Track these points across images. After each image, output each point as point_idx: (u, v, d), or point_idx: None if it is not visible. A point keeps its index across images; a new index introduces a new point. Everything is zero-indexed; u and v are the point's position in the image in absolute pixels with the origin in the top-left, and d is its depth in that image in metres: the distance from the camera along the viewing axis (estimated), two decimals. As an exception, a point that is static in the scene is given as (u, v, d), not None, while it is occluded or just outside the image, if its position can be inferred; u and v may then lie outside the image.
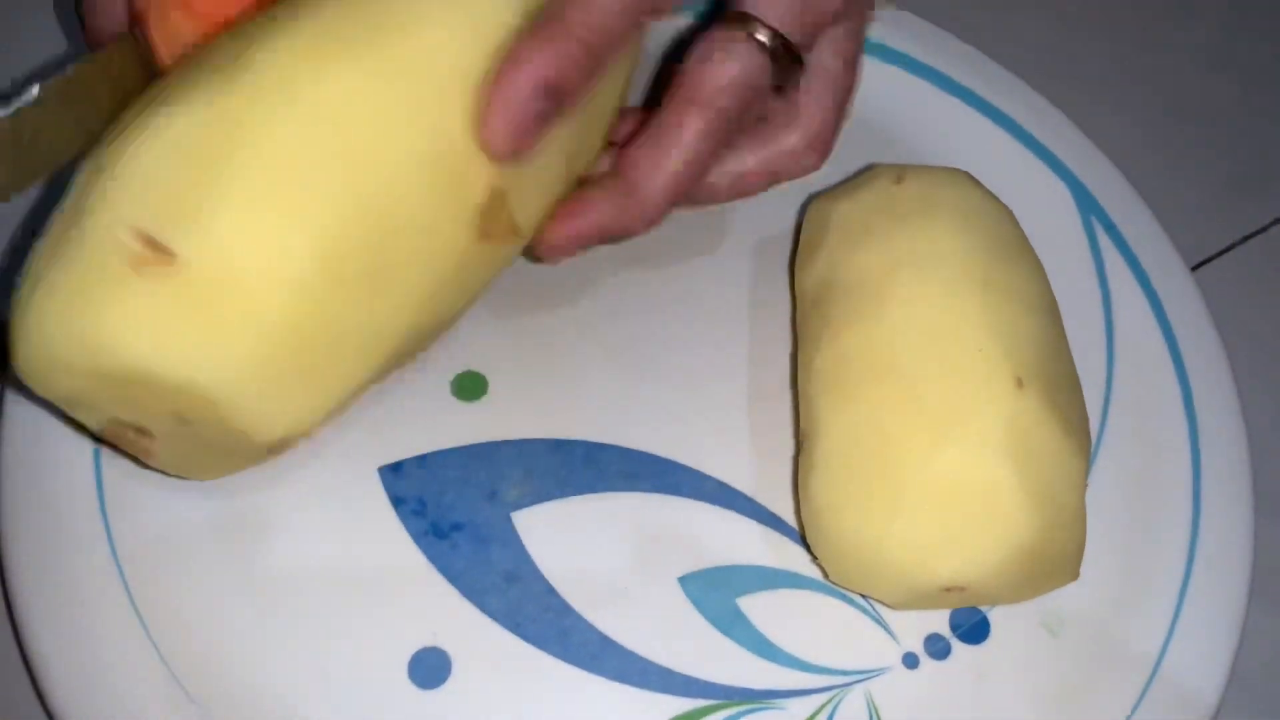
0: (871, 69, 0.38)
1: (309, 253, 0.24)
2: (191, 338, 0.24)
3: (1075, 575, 0.29)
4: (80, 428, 0.28)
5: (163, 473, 0.29)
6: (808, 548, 0.30)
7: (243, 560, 0.30)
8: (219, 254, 0.24)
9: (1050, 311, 0.30)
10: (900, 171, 0.32)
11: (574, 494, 0.32)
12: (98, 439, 0.29)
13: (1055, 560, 0.28)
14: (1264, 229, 0.41)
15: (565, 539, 0.31)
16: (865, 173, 0.33)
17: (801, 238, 0.34)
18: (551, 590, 0.30)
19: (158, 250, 0.23)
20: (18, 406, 0.31)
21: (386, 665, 0.29)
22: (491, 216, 0.27)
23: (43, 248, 0.25)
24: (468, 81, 0.26)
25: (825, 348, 0.30)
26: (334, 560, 0.30)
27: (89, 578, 0.29)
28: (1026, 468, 0.27)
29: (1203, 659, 0.31)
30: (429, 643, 0.29)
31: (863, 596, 0.31)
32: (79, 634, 0.28)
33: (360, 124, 0.25)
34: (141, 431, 0.26)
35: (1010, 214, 0.32)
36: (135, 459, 0.28)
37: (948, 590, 0.28)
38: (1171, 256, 0.36)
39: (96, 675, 0.28)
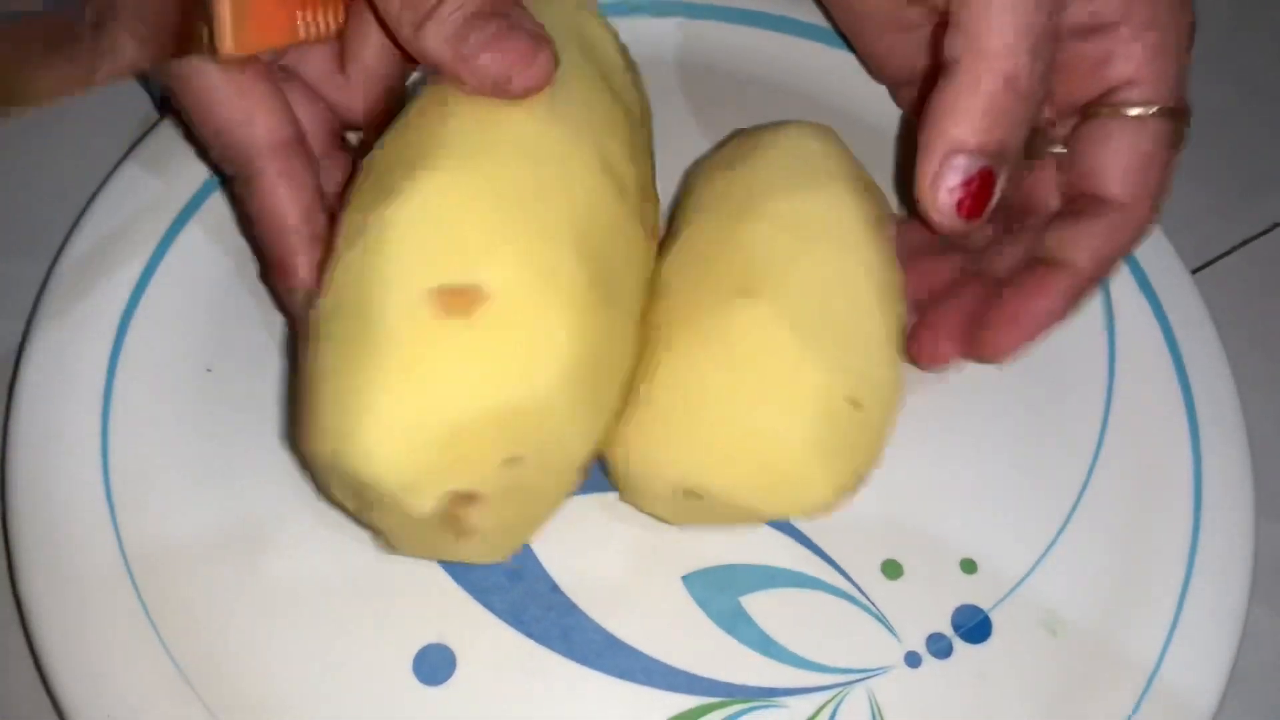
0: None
1: (577, 271, 0.26)
2: (511, 366, 0.25)
3: (825, 501, 0.29)
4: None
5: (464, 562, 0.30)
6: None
7: (250, 559, 0.30)
8: (512, 286, 0.25)
9: (830, 236, 0.29)
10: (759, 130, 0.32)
11: (578, 493, 0.32)
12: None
13: (787, 474, 0.28)
14: (1265, 232, 0.41)
15: (569, 537, 0.31)
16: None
17: None
18: (556, 588, 0.30)
19: (459, 296, 0.25)
20: (25, 413, 0.31)
21: (392, 662, 0.29)
22: (647, 215, 0.29)
23: (328, 348, 0.25)
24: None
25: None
26: (340, 558, 0.30)
27: (99, 580, 0.29)
28: (749, 376, 0.27)
29: (1202, 660, 0.31)
30: (434, 640, 0.30)
31: (862, 594, 0.31)
32: (89, 635, 0.29)
33: (552, 159, 0.27)
34: (470, 498, 0.26)
35: (846, 159, 0.31)
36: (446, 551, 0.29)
37: (687, 495, 0.28)
38: (1172, 260, 0.37)
39: (106, 675, 0.28)
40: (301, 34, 0.30)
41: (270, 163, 0.29)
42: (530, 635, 0.30)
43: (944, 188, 0.28)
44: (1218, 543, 0.32)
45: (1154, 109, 0.30)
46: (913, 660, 0.31)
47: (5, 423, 0.31)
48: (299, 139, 0.30)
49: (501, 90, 0.27)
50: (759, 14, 0.40)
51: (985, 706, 0.30)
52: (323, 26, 0.30)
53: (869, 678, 0.30)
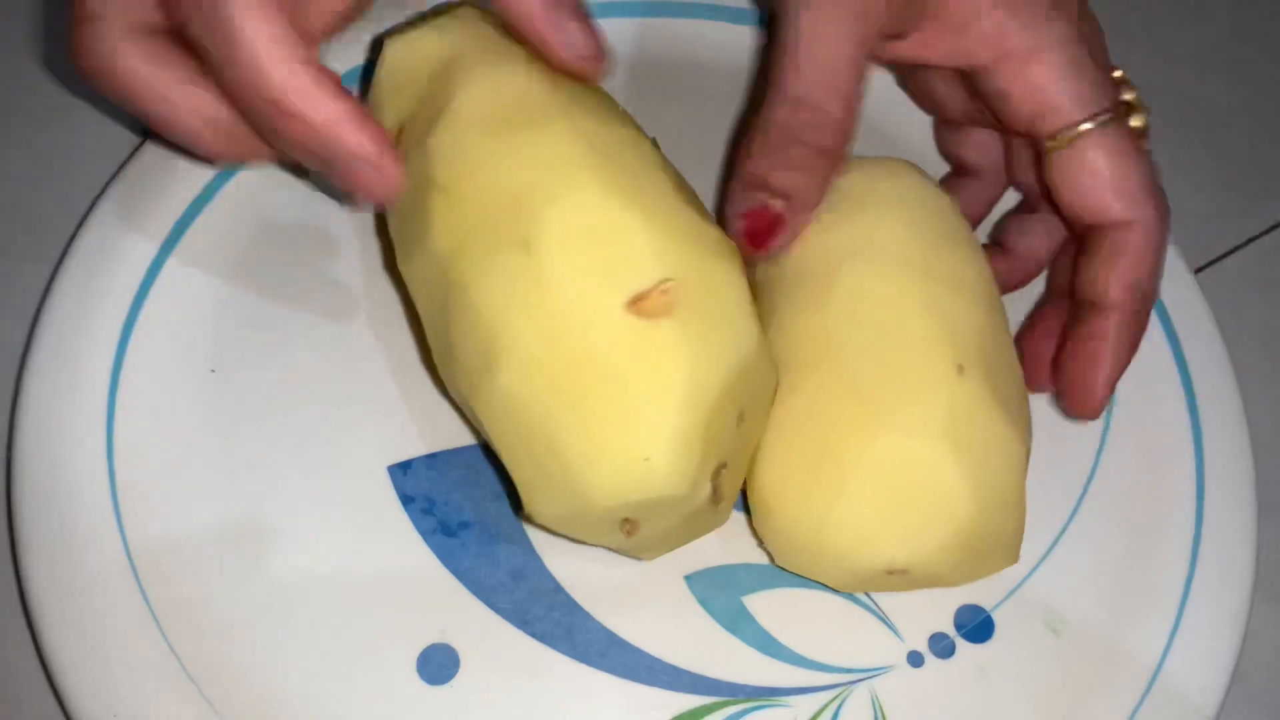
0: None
1: (711, 230, 0.28)
2: (728, 339, 0.27)
3: (1015, 558, 0.29)
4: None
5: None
6: (754, 533, 0.31)
7: (254, 558, 0.30)
8: (683, 271, 0.27)
9: (991, 300, 0.30)
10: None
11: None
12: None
13: (994, 542, 0.28)
14: (1267, 231, 0.41)
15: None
16: None
17: None
18: (559, 588, 0.31)
19: (652, 299, 0.26)
20: (30, 412, 0.31)
21: (395, 662, 0.29)
22: None
23: (545, 407, 0.26)
24: None
25: (770, 338, 0.30)
26: (343, 558, 0.30)
27: (103, 578, 0.29)
28: (965, 451, 0.27)
29: (1205, 659, 0.31)
30: (437, 639, 0.30)
31: (867, 595, 0.31)
32: (94, 634, 0.29)
33: (620, 140, 0.29)
34: (722, 468, 0.27)
35: (951, 203, 0.32)
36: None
37: (890, 573, 0.28)
38: (1175, 259, 0.36)
39: (111, 673, 0.28)
40: None
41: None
42: (533, 635, 0.30)
43: (736, 214, 0.29)
44: (1220, 541, 0.32)
45: (1087, 125, 0.29)
46: (915, 660, 0.31)
47: (11, 422, 0.31)
48: None
49: (580, 66, 0.28)
50: (724, 8, 0.39)
51: (988, 706, 0.30)
52: None
53: (871, 677, 0.30)
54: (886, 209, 0.30)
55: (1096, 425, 0.34)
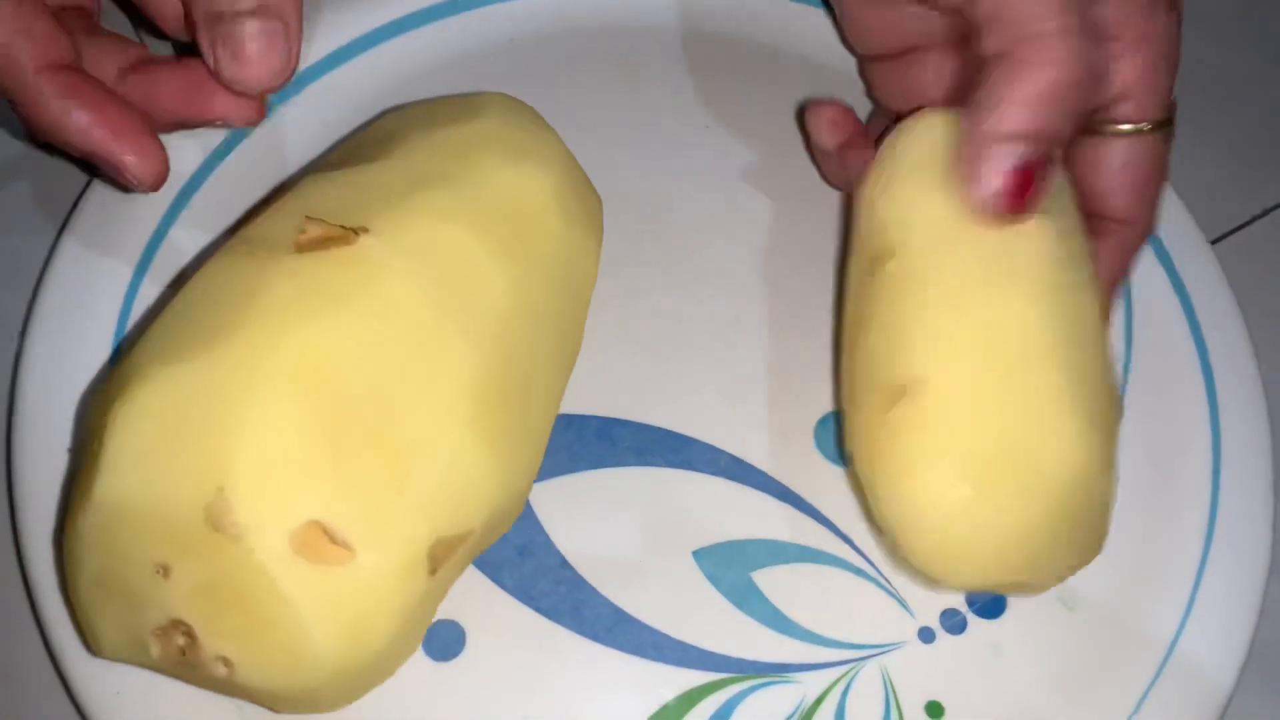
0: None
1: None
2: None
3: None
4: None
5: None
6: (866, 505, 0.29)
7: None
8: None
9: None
10: None
11: (587, 469, 0.31)
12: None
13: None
14: (1285, 203, 0.40)
15: (579, 513, 0.31)
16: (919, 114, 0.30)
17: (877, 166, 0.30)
18: (565, 564, 0.30)
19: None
20: (31, 397, 0.31)
21: (401, 638, 0.29)
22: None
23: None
24: None
25: (949, 311, 0.27)
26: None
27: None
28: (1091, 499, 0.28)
29: (1220, 636, 0.31)
30: (443, 615, 0.29)
31: (875, 569, 0.31)
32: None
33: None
34: None
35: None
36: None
37: (1015, 584, 0.28)
38: (1191, 230, 0.36)
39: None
40: None
41: None
42: (540, 611, 0.30)
43: (995, 176, 0.27)
44: (1236, 517, 0.32)
45: (1147, 125, 0.30)
46: (926, 636, 0.30)
47: (10, 401, 0.31)
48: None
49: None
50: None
51: (1000, 682, 0.30)
52: None
53: (882, 653, 0.30)
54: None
55: (1111, 399, 0.34)
